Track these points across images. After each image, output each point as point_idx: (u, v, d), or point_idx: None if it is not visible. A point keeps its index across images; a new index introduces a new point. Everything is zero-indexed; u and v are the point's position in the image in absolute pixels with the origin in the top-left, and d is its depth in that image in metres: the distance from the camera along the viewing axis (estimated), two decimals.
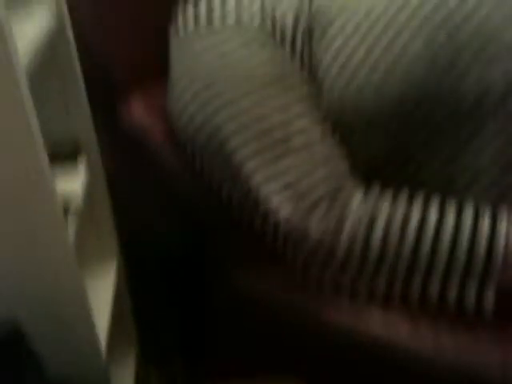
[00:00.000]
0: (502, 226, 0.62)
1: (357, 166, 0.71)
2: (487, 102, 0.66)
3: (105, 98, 0.83)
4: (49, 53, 0.68)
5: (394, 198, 0.65)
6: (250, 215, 0.71)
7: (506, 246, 0.60)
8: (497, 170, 0.67)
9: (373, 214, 0.64)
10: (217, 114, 0.69)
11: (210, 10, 0.75)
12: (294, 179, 0.66)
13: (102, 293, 0.82)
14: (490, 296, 0.61)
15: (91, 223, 0.83)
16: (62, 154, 0.73)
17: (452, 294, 0.62)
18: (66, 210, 0.64)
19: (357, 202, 0.65)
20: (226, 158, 0.69)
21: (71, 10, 0.71)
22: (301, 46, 0.73)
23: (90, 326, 0.66)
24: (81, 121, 0.76)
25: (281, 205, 0.66)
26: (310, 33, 0.73)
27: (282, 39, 0.73)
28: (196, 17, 0.76)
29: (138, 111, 0.81)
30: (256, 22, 0.73)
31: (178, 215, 0.86)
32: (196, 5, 0.77)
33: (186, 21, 0.77)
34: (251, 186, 0.68)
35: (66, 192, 0.68)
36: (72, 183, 0.71)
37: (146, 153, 0.81)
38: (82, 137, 0.76)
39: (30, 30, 0.59)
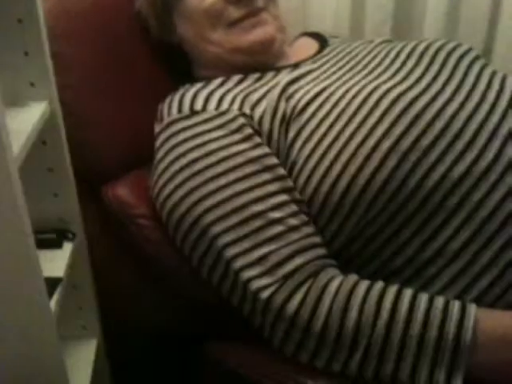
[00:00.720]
0: (471, 312, 0.64)
1: (334, 252, 0.75)
2: (451, 200, 0.71)
3: (91, 182, 0.88)
4: (39, 140, 0.73)
5: (369, 286, 0.68)
6: (230, 296, 0.75)
7: (474, 332, 0.63)
8: (467, 257, 0.70)
9: (348, 298, 0.67)
10: (199, 204, 0.74)
11: (192, 102, 0.82)
12: (274, 264, 0.70)
13: (81, 370, 0.83)
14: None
15: (74, 300, 0.86)
16: (48, 236, 0.77)
17: (422, 379, 0.64)
18: (50, 290, 0.67)
19: (335, 286, 0.68)
20: (208, 245, 0.74)
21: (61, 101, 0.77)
22: (277, 136, 0.78)
23: None
24: (67, 204, 0.79)
25: (260, 289, 0.70)
26: (286, 126, 0.78)
27: (258, 131, 0.78)
28: (179, 106, 0.82)
29: (122, 191, 0.86)
30: (234, 113, 0.79)
31: (164, 293, 0.89)
32: (181, 98, 0.84)
33: (170, 110, 0.83)
34: (231, 272, 0.72)
35: (50, 271, 0.71)
36: (56, 264, 0.74)
37: (130, 231, 0.85)
38: (68, 220, 0.80)
39: (23, 122, 0.64)
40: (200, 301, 0.83)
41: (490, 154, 0.72)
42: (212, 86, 0.85)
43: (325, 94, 0.78)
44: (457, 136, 0.73)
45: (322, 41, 1.00)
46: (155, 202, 0.81)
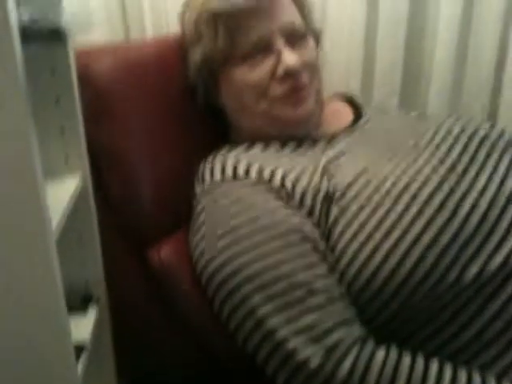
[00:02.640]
0: None
1: (371, 328, 0.76)
2: (488, 289, 0.73)
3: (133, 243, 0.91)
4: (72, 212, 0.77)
5: (412, 360, 0.69)
6: (265, 365, 0.75)
7: None
8: (500, 346, 0.72)
9: (396, 369, 0.68)
10: (242, 270, 0.75)
11: (235, 166, 0.86)
12: (320, 333, 0.71)
13: None
14: None
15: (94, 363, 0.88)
16: (74, 300, 0.80)
17: None
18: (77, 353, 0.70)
19: (381, 355, 0.70)
20: (248, 312, 0.75)
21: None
22: (318, 214, 0.80)
23: None
24: (94, 271, 0.83)
25: (310, 357, 0.70)
26: (328, 207, 0.79)
27: (299, 206, 0.80)
28: (222, 169, 0.86)
29: (166, 254, 0.88)
30: (277, 184, 0.82)
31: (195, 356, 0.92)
32: (224, 160, 0.88)
33: (212, 172, 0.87)
34: (272, 341, 0.72)
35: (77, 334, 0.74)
36: (82, 327, 0.77)
37: (171, 294, 0.87)
38: (93, 286, 0.84)
39: (60, 196, 0.69)
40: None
41: None
42: (253, 152, 0.89)
43: (365, 177, 0.80)
44: (493, 227, 0.75)
45: (357, 108, 1.03)
46: (196, 264, 0.82)
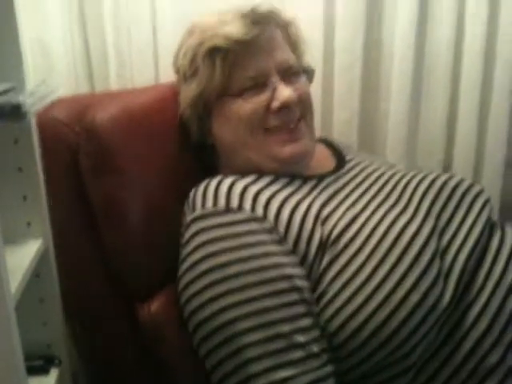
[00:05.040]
0: None
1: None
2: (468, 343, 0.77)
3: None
4: (33, 275, 0.79)
5: None
6: None
7: None
8: None
9: None
10: (226, 312, 0.75)
11: (228, 196, 0.84)
12: None
13: None
14: None
15: None
16: (36, 361, 0.81)
17: None
18: None
19: None
20: (228, 355, 0.75)
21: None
22: (312, 260, 0.79)
23: None
24: (55, 332, 0.85)
25: None
26: (322, 252, 0.79)
27: (292, 251, 0.80)
28: (215, 199, 0.83)
29: (157, 310, 0.87)
30: (270, 224, 0.81)
31: None
32: (216, 188, 0.85)
33: (204, 200, 0.85)
34: None
35: None
36: None
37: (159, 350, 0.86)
38: (55, 347, 0.85)
39: (21, 260, 0.71)
40: None
41: (494, 305, 0.78)
42: (247, 180, 0.87)
43: (356, 226, 0.80)
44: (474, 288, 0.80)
45: (338, 153, 1.05)
46: (180, 295, 0.81)
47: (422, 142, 1.34)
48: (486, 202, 0.91)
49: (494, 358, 0.75)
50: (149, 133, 0.95)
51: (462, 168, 1.32)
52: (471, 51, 1.26)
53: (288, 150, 0.92)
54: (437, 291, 0.75)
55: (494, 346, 0.76)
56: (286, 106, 0.91)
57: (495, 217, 0.93)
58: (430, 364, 0.77)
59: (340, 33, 1.26)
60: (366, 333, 0.74)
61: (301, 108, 0.94)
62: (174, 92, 1.01)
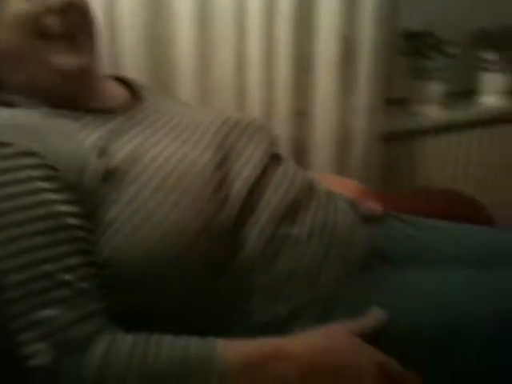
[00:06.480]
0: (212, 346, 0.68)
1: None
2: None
3: None
4: None
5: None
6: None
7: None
8: None
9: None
10: None
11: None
12: (56, 328, 0.67)
13: None
14: None
15: None
16: None
17: None
18: None
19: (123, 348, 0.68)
20: None
21: None
22: (87, 193, 0.75)
23: None
24: None
25: (37, 353, 0.67)
26: (97, 185, 0.75)
27: (65, 186, 0.74)
28: None
29: None
30: (38, 160, 0.74)
31: None
32: None
33: None
34: (12, 329, 0.68)
35: None
36: None
37: None
38: None
39: None
40: None
41: (268, 230, 0.81)
42: (19, 114, 0.81)
43: (145, 160, 0.78)
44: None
45: (133, 91, 0.99)
46: None
47: (213, 92, 1.37)
48: (269, 135, 0.96)
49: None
50: None
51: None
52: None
53: (71, 60, 0.84)
54: (215, 216, 0.77)
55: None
56: (68, 8, 0.83)
57: (283, 154, 0.98)
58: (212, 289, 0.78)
59: None
60: (142, 258, 0.73)
61: (82, 19, 0.87)
62: None
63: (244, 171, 0.86)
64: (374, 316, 0.75)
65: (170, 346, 0.68)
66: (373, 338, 0.72)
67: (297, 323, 0.77)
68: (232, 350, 0.69)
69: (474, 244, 0.92)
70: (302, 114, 1.50)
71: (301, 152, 1.52)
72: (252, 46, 1.37)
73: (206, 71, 1.35)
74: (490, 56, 1.91)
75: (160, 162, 0.79)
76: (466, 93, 1.96)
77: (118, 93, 0.98)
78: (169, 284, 0.75)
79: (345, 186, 1.07)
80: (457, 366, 0.72)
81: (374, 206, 0.99)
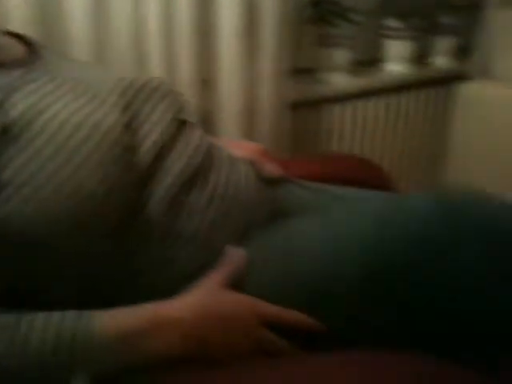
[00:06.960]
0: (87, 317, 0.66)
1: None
2: None
3: None
4: None
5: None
6: None
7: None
8: None
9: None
10: None
11: None
12: None
13: None
14: None
15: None
16: None
17: None
18: None
19: None
20: None
21: None
22: None
23: None
24: None
25: None
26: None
27: None
28: None
29: None
30: None
31: None
32: None
33: None
34: None
35: None
36: None
37: None
38: None
39: None
40: None
41: (171, 193, 0.80)
42: None
43: (44, 116, 0.73)
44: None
45: (31, 48, 0.92)
46: None
47: (112, 62, 1.32)
48: (178, 101, 0.94)
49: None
50: None
51: None
52: None
53: None
54: (119, 180, 0.74)
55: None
56: None
57: (191, 119, 0.95)
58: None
59: None
60: (41, 222, 0.68)
61: None
62: None
63: (152, 135, 0.84)
64: (234, 257, 0.77)
65: (42, 327, 0.65)
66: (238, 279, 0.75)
67: (189, 287, 0.76)
68: (110, 322, 0.67)
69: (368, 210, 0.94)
70: (207, 82, 1.48)
71: (208, 121, 1.50)
72: (151, 13, 1.34)
73: (103, 41, 1.30)
74: (395, 24, 1.95)
75: (61, 120, 0.73)
76: (372, 60, 2.01)
77: (11, 47, 0.90)
78: (70, 247, 0.71)
79: (247, 148, 1.07)
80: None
81: (272, 169, 1.00)
